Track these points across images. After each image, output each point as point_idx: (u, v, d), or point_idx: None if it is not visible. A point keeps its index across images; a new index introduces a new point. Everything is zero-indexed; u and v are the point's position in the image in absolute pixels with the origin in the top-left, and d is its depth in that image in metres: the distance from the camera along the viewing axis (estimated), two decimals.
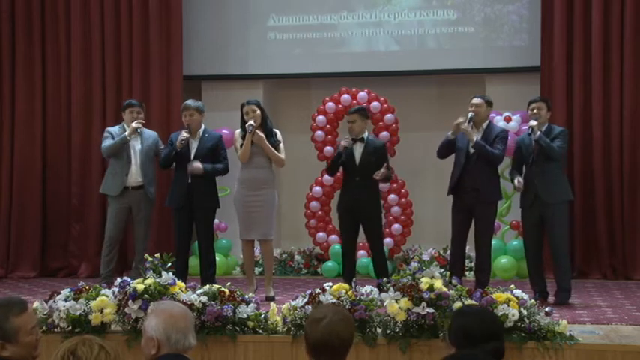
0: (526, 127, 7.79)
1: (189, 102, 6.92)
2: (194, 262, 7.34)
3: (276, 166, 6.92)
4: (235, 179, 6.99)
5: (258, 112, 6.74)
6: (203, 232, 6.84)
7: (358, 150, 6.74)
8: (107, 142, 7.23)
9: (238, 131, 6.87)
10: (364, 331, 4.88)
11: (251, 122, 6.69)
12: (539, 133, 6.43)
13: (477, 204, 6.53)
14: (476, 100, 6.65)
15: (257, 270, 8.05)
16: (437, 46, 8.87)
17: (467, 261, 8.03)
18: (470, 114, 6.58)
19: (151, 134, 7.38)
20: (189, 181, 6.73)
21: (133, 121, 7.18)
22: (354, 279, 5.58)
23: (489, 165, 6.59)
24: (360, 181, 6.67)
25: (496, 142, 6.56)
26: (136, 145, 7.22)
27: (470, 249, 6.91)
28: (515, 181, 6.55)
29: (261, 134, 6.72)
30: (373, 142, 6.94)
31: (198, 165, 6.70)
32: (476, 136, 6.54)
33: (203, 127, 6.89)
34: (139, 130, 7.18)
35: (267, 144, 6.72)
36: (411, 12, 8.83)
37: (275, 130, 6.88)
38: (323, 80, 9.12)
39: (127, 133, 7.14)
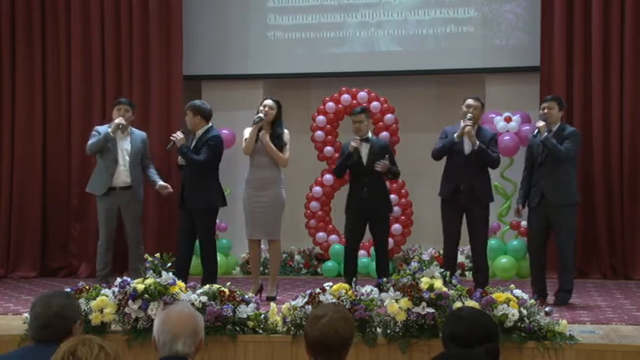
0: (527, 128, 7.82)
1: (189, 103, 6.88)
2: (197, 261, 7.33)
3: (279, 164, 6.87)
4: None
5: (274, 111, 6.69)
6: (200, 234, 6.74)
7: (364, 150, 6.75)
8: (92, 140, 7.15)
9: (248, 128, 6.83)
10: (364, 331, 4.89)
11: (260, 115, 6.66)
12: (546, 133, 6.42)
13: (472, 205, 6.56)
14: (474, 102, 6.64)
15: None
16: (437, 46, 8.86)
17: (467, 261, 8.08)
18: (469, 115, 6.58)
19: (139, 135, 7.29)
20: (183, 181, 6.72)
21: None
22: (354, 279, 5.59)
23: (487, 167, 6.66)
24: (369, 180, 6.68)
25: (492, 145, 6.62)
26: (125, 145, 7.14)
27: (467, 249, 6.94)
28: (514, 210, 6.82)
29: (266, 137, 6.68)
30: (378, 141, 7.00)
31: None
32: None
33: (208, 126, 6.74)
34: (120, 127, 7.05)
35: (269, 141, 6.68)
36: (411, 12, 8.82)
37: (285, 129, 6.78)
38: (323, 80, 9.12)
39: (110, 130, 7.05)
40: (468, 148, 6.57)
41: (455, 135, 6.56)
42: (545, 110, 6.54)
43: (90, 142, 7.16)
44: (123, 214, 7.15)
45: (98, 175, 7.17)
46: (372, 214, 6.72)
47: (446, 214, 6.68)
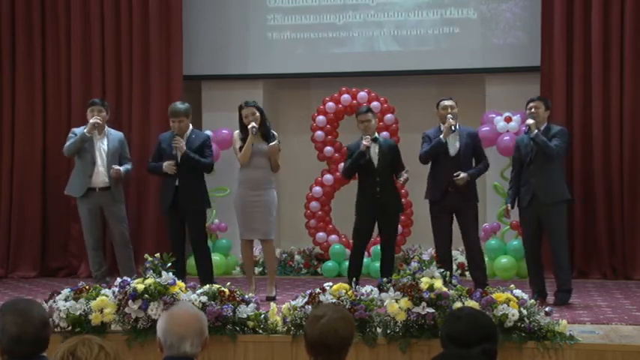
0: (524, 127, 7.83)
1: (179, 107, 6.81)
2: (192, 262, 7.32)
3: (273, 169, 6.89)
4: (235, 179, 6.99)
5: (258, 114, 6.72)
6: (194, 235, 6.80)
7: (374, 150, 6.76)
8: (69, 142, 7.13)
9: (237, 132, 6.85)
10: (364, 331, 4.89)
11: (254, 124, 6.66)
12: (536, 131, 6.43)
13: (462, 205, 6.62)
14: (452, 102, 6.77)
15: (256, 270, 8.05)
16: (437, 46, 8.86)
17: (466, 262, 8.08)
18: (449, 116, 6.64)
19: (116, 135, 7.28)
20: (177, 183, 6.71)
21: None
22: (354, 279, 5.59)
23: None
24: (381, 180, 6.69)
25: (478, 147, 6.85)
26: (102, 146, 7.12)
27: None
28: (504, 209, 6.87)
29: (278, 144, 6.75)
30: (386, 141, 7.05)
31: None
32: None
33: (190, 127, 6.82)
34: (96, 126, 7.02)
35: (278, 155, 6.76)
36: (412, 12, 8.81)
37: (274, 132, 6.86)
38: (323, 80, 9.11)
39: (85, 130, 7.02)
40: (453, 150, 6.63)
41: (441, 136, 6.62)
42: (533, 110, 6.54)
43: (67, 143, 7.16)
44: (106, 215, 7.16)
45: (76, 177, 7.17)
46: (383, 212, 6.74)
47: (436, 215, 6.72)
